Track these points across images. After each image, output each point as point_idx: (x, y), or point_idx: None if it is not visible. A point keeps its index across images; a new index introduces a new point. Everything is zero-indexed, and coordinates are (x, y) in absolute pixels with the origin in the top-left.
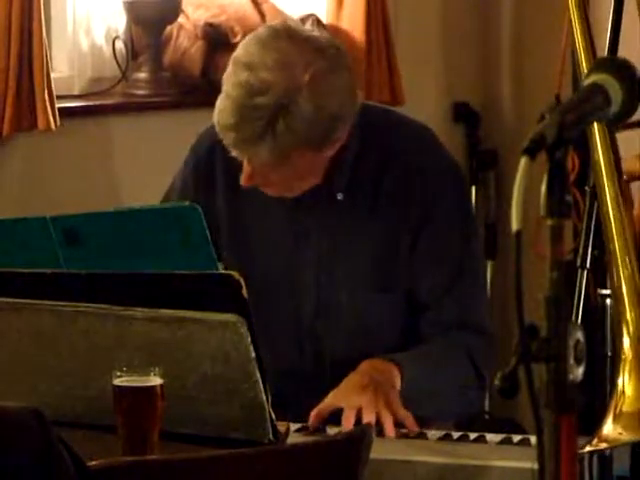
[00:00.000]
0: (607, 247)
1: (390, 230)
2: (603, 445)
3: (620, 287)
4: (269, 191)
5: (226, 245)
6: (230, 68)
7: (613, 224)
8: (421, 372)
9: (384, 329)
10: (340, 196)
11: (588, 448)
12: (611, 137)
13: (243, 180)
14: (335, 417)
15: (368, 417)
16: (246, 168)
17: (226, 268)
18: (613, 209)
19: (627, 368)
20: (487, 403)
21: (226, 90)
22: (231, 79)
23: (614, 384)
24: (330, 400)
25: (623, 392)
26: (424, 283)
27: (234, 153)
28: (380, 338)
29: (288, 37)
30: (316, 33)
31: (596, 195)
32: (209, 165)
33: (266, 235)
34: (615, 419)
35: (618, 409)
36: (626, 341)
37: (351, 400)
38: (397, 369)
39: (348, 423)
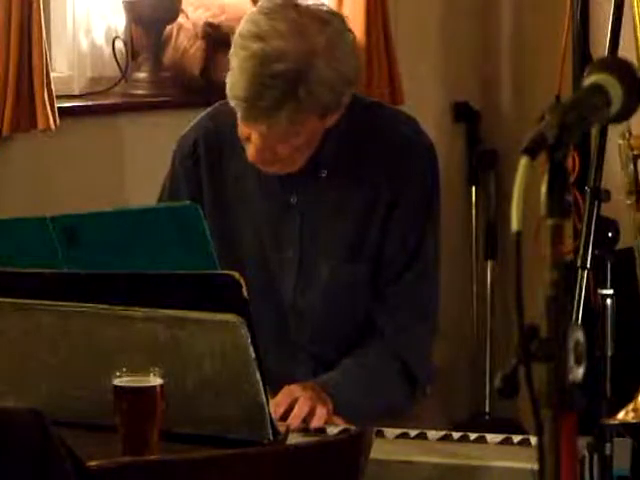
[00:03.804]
0: None
1: (368, 206)
2: (633, 419)
3: None
4: (272, 169)
5: (212, 230)
6: (237, 43)
7: None
8: (351, 397)
9: (358, 301)
10: (324, 173)
11: (620, 417)
12: None
13: (250, 155)
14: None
15: (302, 407)
16: (256, 142)
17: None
18: None
19: None
20: (487, 403)
21: (237, 64)
22: (241, 53)
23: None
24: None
25: None
26: (384, 261)
27: (246, 126)
28: (355, 310)
29: (293, 7)
30: (315, 5)
31: None
32: (194, 157)
33: (250, 214)
34: None
35: None
36: None
37: (289, 391)
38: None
39: (278, 407)
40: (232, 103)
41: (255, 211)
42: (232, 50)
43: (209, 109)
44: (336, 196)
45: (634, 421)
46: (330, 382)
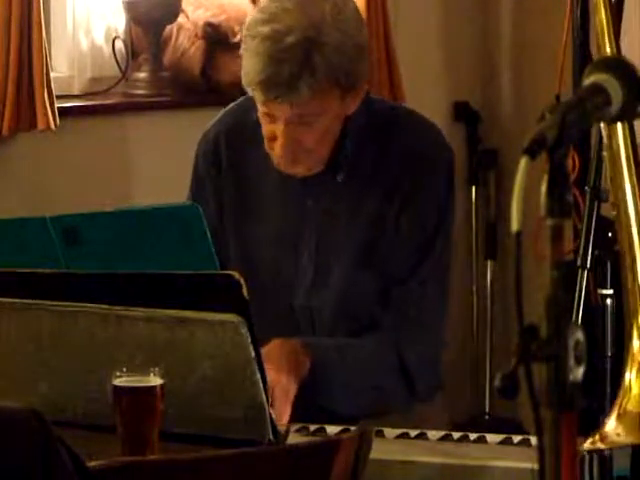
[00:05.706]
0: (620, 245)
1: (381, 214)
2: (601, 445)
3: (634, 287)
4: (298, 168)
5: (230, 229)
6: (246, 35)
7: (633, 218)
8: (333, 362)
9: (368, 307)
10: (340, 178)
11: (587, 446)
12: (630, 127)
13: (277, 155)
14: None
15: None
16: (280, 135)
17: (225, 262)
18: (633, 202)
19: (636, 367)
20: (487, 403)
21: (251, 50)
22: (253, 41)
23: (619, 382)
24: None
25: (629, 390)
26: (391, 268)
27: (271, 109)
28: (365, 317)
29: None
30: None
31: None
32: (216, 152)
33: (267, 217)
34: (619, 417)
35: (622, 407)
36: (636, 344)
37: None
38: (308, 354)
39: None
40: (250, 91)
41: (274, 211)
42: (243, 46)
43: (231, 105)
44: (352, 202)
45: (606, 447)
46: (315, 341)
